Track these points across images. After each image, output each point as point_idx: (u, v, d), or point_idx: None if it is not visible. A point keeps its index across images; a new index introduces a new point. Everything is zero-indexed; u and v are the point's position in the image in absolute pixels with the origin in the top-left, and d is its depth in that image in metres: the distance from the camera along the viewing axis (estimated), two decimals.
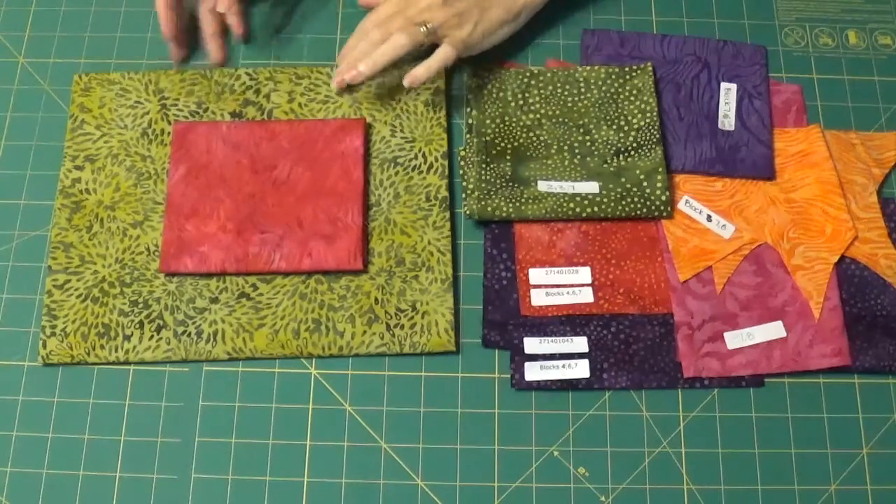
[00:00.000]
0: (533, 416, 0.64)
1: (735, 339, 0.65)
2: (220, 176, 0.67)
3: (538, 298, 0.66)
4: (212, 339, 0.64)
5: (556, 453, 0.63)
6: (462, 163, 0.70)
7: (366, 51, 0.68)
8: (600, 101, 0.72)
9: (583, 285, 0.67)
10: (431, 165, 0.69)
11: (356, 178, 0.67)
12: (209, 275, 0.65)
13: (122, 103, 0.71)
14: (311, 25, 0.76)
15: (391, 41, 0.67)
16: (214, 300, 0.65)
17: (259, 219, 0.66)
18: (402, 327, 0.64)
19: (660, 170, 0.68)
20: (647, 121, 0.70)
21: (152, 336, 0.64)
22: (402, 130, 0.70)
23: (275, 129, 0.68)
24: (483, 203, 0.67)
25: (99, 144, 0.69)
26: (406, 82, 0.67)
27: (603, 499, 0.62)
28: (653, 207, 0.68)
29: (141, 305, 0.65)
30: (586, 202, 0.67)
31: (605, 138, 0.70)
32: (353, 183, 0.67)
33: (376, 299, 0.65)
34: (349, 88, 0.71)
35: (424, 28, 0.67)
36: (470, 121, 0.71)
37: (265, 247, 0.65)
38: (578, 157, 0.70)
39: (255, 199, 0.66)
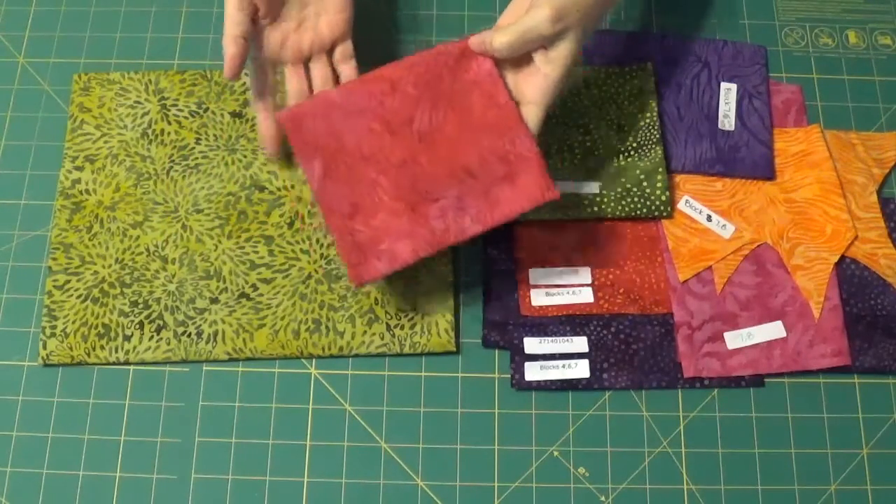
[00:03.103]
0: (533, 416, 0.64)
1: (735, 339, 0.65)
2: (360, 154, 0.58)
3: (538, 298, 0.66)
4: (212, 339, 0.64)
5: (556, 453, 0.63)
6: None
7: None
8: (600, 101, 0.72)
9: (583, 285, 0.67)
10: None
11: (505, 102, 0.57)
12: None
13: (121, 103, 0.71)
14: None
15: None
16: (214, 300, 0.65)
17: (425, 185, 0.57)
18: (403, 327, 0.64)
19: (660, 170, 0.68)
20: (647, 121, 0.70)
21: (152, 336, 0.64)
22: None
23: (391, 76, 0.58)
24: None
25: (99, 144, 0.69)
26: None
27: (603, 499, 0.62)
28: (653, 207, 0.68)
29: (141, 306, 0.65)
30: (586, 202, 0.67)
31: (605, 138, 0.70)
32: (503, 108, 0.57)
33: (376, 299, 0.65)
34: None
35: None
36: None
37: (447, 214, 0.57)
38: (578, 157, 0.70)
39: (409, 165, 0.57)
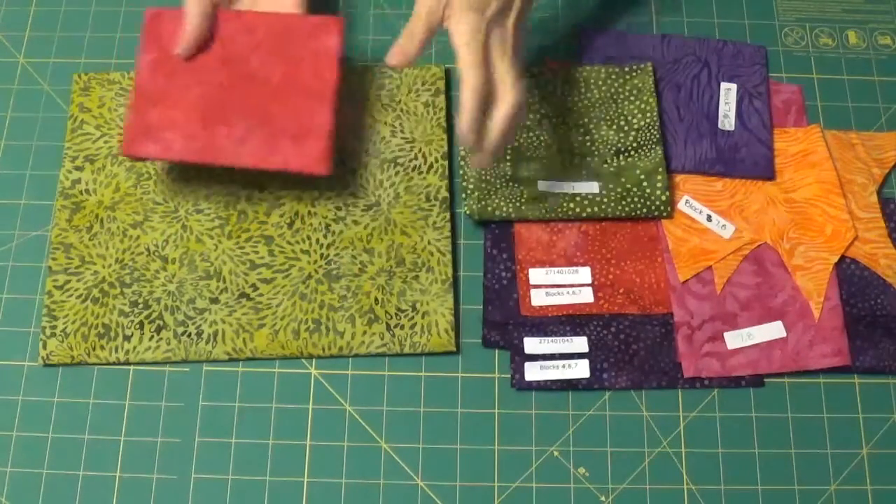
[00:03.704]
0: (533, 416, 0.64)
1: (735, 339, 0.65)
2: (190, 64, 0.65)
3: (538, 298, 0.66)
4: (212, 339, 0.64)
5: (556, 453, 0.63)
6: (462, 163, 0.70)
7: None
8: (600, 101, 0.72)
9: (583, 285, 0.67)
10: (431, 166, 0.69)
11: (328, 79, 0.64)
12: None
13: (121, 103, 0.71)
14: None
15: None
16: (214, 300, 0.65)
17: (227, 111, 0.64)
18: (403, 327, 0.64)
19: (660, 170, 0.68)
20: (647, 121, 0.70)
21: (152, 336, 0.64)
22: (402, 131, 0.70)
23: (252, 21, 0.65)
24: (483, 203, 0.67)
25: (99, 144, 0.70)
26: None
27: (603, 499, 0.62)
28: (653, 207, 0.68)
29: (141, 306, 0.65)
30: (586, 202, 0.67)
31: (605, 138, 0.70)
32: (325, 83, 0.64)
33: (376, 299, 0.65)
34: None
35: None
36: None
37: (230, 140, 0.63)
38: (578, 157, 0.70)
39: (225, 91, 0.64)
